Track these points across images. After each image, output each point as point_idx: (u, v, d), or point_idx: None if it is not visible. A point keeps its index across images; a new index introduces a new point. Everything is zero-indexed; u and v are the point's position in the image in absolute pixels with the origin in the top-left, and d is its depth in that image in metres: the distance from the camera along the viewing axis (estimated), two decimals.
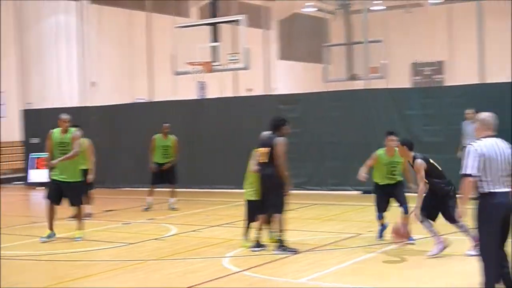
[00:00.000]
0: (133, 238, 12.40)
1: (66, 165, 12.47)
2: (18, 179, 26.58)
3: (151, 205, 16.61)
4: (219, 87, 32.02)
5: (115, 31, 33.08)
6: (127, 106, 24.98)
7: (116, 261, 10.46)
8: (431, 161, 10.31)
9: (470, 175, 6.90)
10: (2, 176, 27.54)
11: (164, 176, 16.75)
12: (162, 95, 26.60)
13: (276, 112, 20.41)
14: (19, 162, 26.36)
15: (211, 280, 8.94)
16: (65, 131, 12.75)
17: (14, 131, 27.37)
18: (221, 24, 23.96)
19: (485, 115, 7.22)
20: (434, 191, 10.05)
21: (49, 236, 12.35)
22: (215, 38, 23.49)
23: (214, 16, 25.61)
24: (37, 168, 24.54)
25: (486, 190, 6.92)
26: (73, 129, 12.89)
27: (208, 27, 24.11)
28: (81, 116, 24.33)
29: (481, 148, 6.96)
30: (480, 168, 6.89)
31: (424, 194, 9.97)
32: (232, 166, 19.83)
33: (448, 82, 37.20)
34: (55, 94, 27.81)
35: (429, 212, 10.07)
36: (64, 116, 12.86)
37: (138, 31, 31.44)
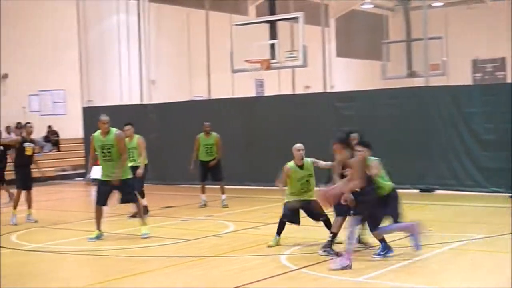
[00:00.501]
0: (191, 235, 12.51)
1: (114, 165, 12.52)
2: (79, 175, 27.07)
3: (206, 202, 16.79)
4: (276, 84, 32.05)
5: (174, 29, 33.44)
6: (185, 104, 25.20)
7: (175, 257, 10.58)
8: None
9: None
10: (64, 172, 28.12)
11: (210, 174, 16.96)
12: (219, 93, 26.72)
13: (333, 109, 20.41)
14: (80, 158, 26.84)
15: (268, 278, 8.97)
16: (106, 133, 12.72)
17: (75, 128, 27.89)
18: (279, 21, 23.94)
19: None
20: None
21: (97, 237, 12.52)
22: (273, 36, 23.48)
23: (272, 13, 25.63)
24: (97, 164, 24.87)
25: None
26: (114, 129, 12.79)
27: (265, 24, 24.13)
28: (140, 114, 24.71)
29: None
30: None
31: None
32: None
33: (510, 79, 36.52)
34: (115, 92, 28.23)
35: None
36: (103, 118, 12.81)
37: (196, 29, 31.63)
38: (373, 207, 9.73)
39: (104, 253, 11.15)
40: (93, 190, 23.18)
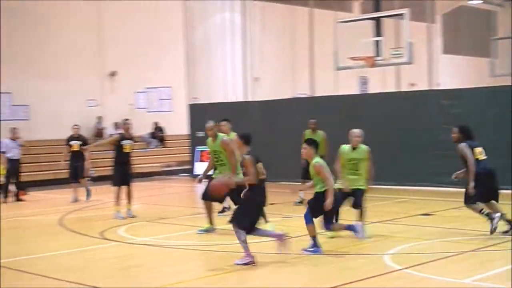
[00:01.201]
0: (294, 232, 12.51)
1: (226, 169, 12.69)
2: (184, 171, 27.57)
3: (303, 200, 16.73)
4: (381, 82, 31.71)
5: (277, 27, 33.57)
6: (288, 101, 25.25)
7: (277, 254, 10.60)
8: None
9: None
10: (169, 168, 28.70)
11: None
12: (323, 90, 26.66)
13: (439, 107, 20.01)
14: (186, 154, 27.31)
15: (370, 277, 8.87)
16: (214, 137, 12.94)
17: (181, 125, 28.41)
18: (383, 18, 23.67)
19: None
20: None
21: (207, 230, 12.71)
22: (377, 33, 23.23)
23: (377, 10, 25.36)
24: (202, 161, 25.32)
25: None
26: (221, 135, 13.02)
27: (370, 21, 23.90)
28: (244, 111, 24.94)
29: None
30: None
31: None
32: (394, 162, 19.58)
33: None
34: (220, 89, 28.57)
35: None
36: (208, 125, 13.04)
37: (300, 27, 31.68)
38: (256, 207, 10.37)
39: (208, 248, 11.31)
40: (198, 186, 23.64)
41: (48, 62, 27.64)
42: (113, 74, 29.63)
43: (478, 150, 11.55)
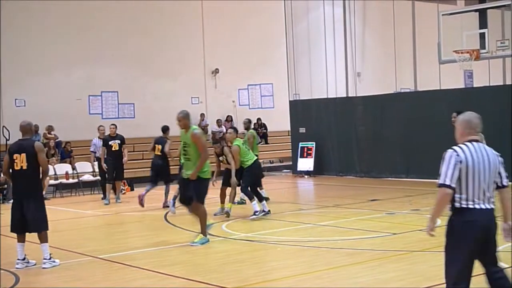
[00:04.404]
0: (397, 228, 12.40)
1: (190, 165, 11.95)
2: (286, 167, 27.70)
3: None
4: (486, 75, 30.88)
5: (379, 20, 33.23)
6: (391, 96, 24.98)
7: (380, 251, 10.54)
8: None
9: (449, 186, 5.87)
10: (272, 164, 28.89)
11: None
12: (427, 84, 26.19)
13: None
14: (287, 151, 27.43)
15: (474, 276, 8.67)
16: (186, 129, 11.68)
17: (283, 121, 28.53)
18: (489, 9, 23.06)
19: (469, 115, 6.16)
20: None
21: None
22: (482, 25, 22.66)
23: (482, 1, 24.72)
24: (304, 157, 25.37)
25: (464, 205, 5.92)
26: (194, 127, 11.80)
27: (475, 13, 23.33)
28: (346, 107, 24.84)
29: (464, 154, 5.90)
30: (456, 177, 5.86)
31: None
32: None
33: None
34: (321, 85, 28.54)
35: None
36: (178, 115, 11.68)
37: (402, 20, 31.21)
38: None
39: (310, 244, 11.33)
40: (300, 182, 23.73)
41: (157, 62, 28.34)
42: (215, 71, 30.04)
43: None
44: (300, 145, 25.54)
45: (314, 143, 25.23)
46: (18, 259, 10.11)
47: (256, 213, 14.24)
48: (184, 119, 11.55)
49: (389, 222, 13.42)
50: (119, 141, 18.64)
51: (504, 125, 19.77)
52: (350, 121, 24.41)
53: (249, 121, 18.39)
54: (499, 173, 6.09)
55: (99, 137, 20.10)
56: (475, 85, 30.82)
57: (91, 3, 26.42)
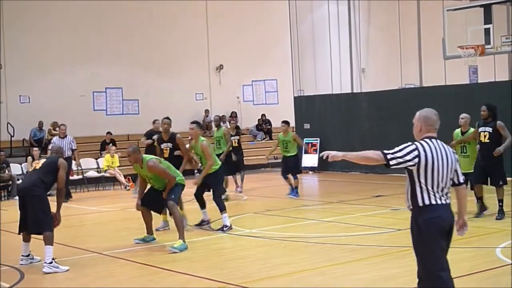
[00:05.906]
0: (402, 224, 12.33)
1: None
2: None
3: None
4: (491, 71, 30.80)
5: (383, 16, 33.11)
6: (396, 92, 24.94)
7: (385, 247, 10.52)
8: None
9: (387, 159, 6.03)
10: (276, 161, 28.84)
11: None
12: (431, 80, 26.13)
13: None
14: None
15: (480, 272, 8.66)
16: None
17: (287, 117, 28.41)
18: (494, 5, 22.97)
19: (427, 111, 6.18)
20: None
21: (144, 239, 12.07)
22: (487, 20, 22.58)
23: None
24: (308, 152, 25.35)
25: (427, 202, 5.94)
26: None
27: (480, 9, 23.25)
28: (351, 102, 24.81)
29: (424, 151, 5.91)
30: (401, 164, 5.97)
31: None
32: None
33: None
34: (326, 81, 28.51)
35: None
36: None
37: (407, 15, 31.13)
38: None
39: (314, 240, 11.32)
40: (305, 178, 23.70)
41: (162, 58, 28.33)
42: (220, 68, 30.00)
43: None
44: (304, 141, 25.49)
45: (318, 139, 25.20)
46: (23, 255, 10.10)
47: (225, 228, 12.43)
48: (134, 153, 11.18)
49: (394, 218, 13.40)
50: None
51: (509, 121, 19.68)
52: (354, 117, 24.37)
53: (220, 118, 18.84)
54: (455, 171, 6.11)
55: (59, 137, 19.69)
56: (479, 81, 30.78)
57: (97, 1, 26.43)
